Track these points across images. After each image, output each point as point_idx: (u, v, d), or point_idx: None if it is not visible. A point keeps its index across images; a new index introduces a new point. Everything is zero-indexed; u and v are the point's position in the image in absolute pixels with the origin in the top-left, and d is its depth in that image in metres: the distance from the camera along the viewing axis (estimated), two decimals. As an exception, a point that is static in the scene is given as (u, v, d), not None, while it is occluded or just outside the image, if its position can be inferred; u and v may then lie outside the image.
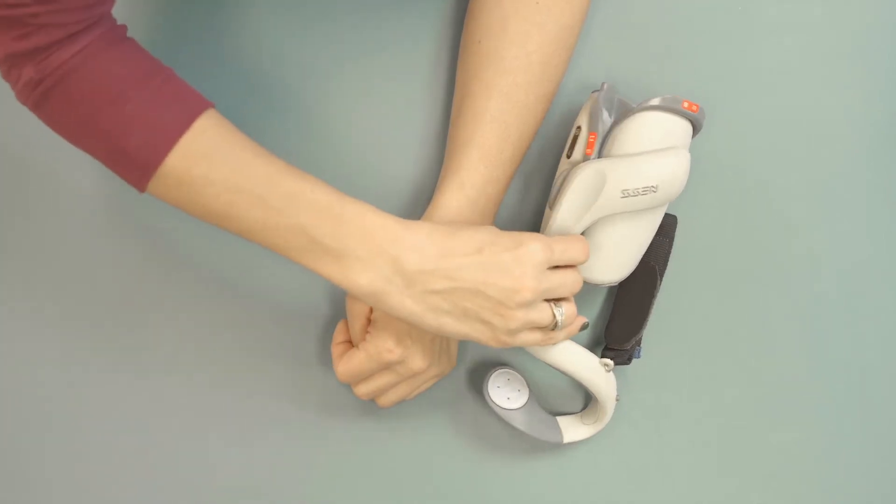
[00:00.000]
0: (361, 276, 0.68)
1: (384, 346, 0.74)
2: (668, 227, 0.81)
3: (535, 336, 0.73)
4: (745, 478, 0.84)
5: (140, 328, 0.84)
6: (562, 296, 0.73)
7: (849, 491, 0.84)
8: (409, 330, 0.75)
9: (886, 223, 0.84)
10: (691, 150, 0.76)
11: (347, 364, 0.77)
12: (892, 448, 0.84)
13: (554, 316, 0.72)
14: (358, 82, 0.84)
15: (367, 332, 0.77)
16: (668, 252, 0.81)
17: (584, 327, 0.76)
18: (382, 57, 0.84)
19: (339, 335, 0.80)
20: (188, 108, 0.69)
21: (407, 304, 0.69)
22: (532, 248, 0.70)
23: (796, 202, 0.84)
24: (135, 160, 0.68)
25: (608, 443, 0.84)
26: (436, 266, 0.68)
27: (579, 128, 0.76)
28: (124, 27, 0.71)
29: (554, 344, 0.75)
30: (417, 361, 0.75)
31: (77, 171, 0.84)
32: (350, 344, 0.79)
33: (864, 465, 0.84)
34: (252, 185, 0.68)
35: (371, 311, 0.77)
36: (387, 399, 0.79)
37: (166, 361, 0.84)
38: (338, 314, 0.84)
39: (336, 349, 0.79)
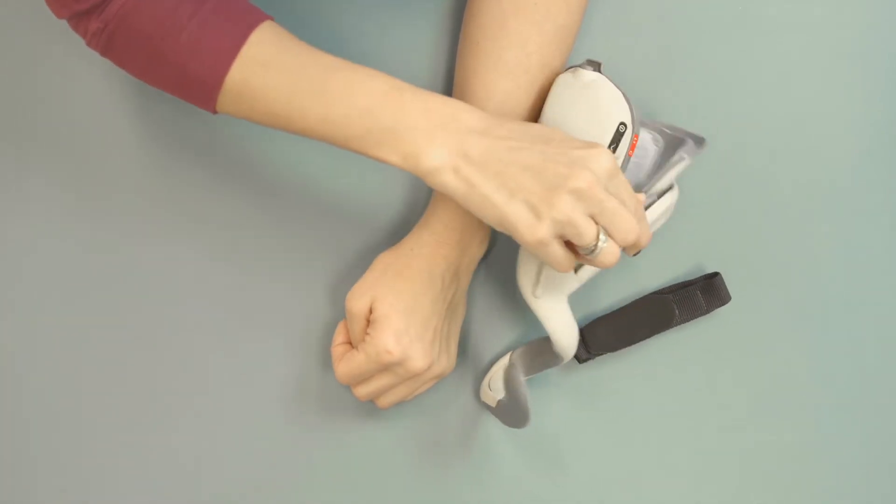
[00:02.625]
0: (423, 151, 0.68)
1: (383, 348, 0.75)
2: (714, 299, 0.82)
3: (564, 255, 0.68)
4: (745, 478, 0.84)
5: (139, 327, 0.84)
6: (609, 226, 0.68)
7: (849, 491, 0.84)
8: (409, 330, 0.75)
9: (887, 223, 0.84)
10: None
11: (347, 365, 0.77)
12: (892, 448, 0.84)
13: (597, 237, 0.67)
14: (357, 83, 0.84)
15: (367, 333, 0.77)
16: (696, 316, 0.82)
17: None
18: (381, 58, 0.84)
19: (338, 336, 0.80)
20: (242, 25, 0.71)
21: (459, 181, 0.68)
22: (604, 156, 0.67)
23: (796, 202, 0.84)
24: (199, 85, 0.71)
25: (607, 443, 0.84)
26: (499, 143, 0.68)
27: (623, 124, 0.73)
28: None
29: (576, 276, 0.73)
30: (417, 363, 0.75)
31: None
32: (350, 345, 0.80)
33: (864, 466, 0.84)
34: (309, 83, 0.70)
35: (371, 312, 0.77)
36: (386, 400, 0.79)
37: (166, 361, 0.84)
38: (338, 315, 0.84)
39: (336, 350, 0.79)
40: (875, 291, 0.84)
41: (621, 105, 0.74)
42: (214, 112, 0.73)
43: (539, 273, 0.75)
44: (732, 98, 0.84)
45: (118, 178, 0.85)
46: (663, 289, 0.83)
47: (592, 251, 0.67)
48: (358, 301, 0.77)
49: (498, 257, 0.83)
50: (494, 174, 0.67)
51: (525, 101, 0.78)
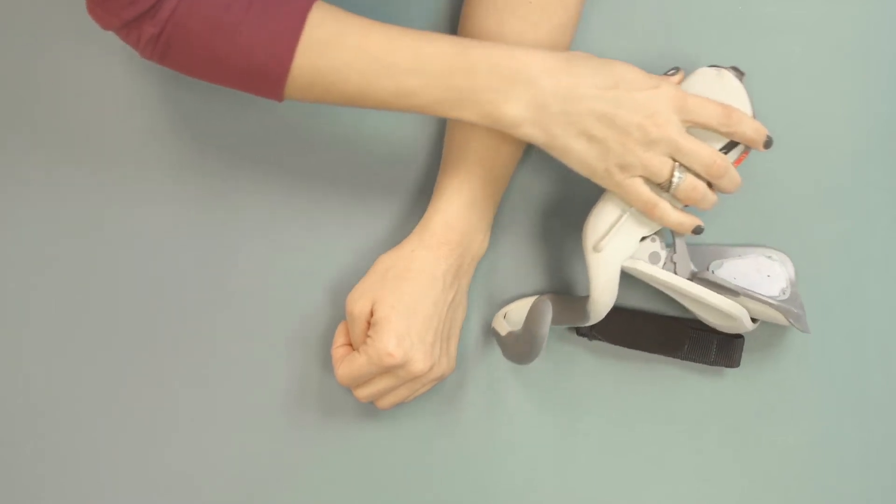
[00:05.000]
0: (500, 110, 0.70)
1: (384, 350, 0.74)
2: (724, 357, 0.82)
3: (644, 191, 0.72)
4: (746, 478, 0.84)
5: (138, 327, 0.84)
6: (691, 166, 0.72)
7: (848, 491, 0.84)
8: (410, 332, 0.75)
9: (887, 223, 0.84)
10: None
11: (348, 367, 0.77)
12: (892, 448, 0.84)
13: (672, 174, 0.72)
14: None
15: (368, 335, 0.77)
16: (700, 361, 0.82)
17: (696, 231, 0.75)
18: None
19: (339, 338, 0.80)
20: (296, 11, 0.71)
21: (539, 132, 0.71)
22: (667, 91, 0.72)
23: (796, 201, 0.84)
24: (265, 77, 0.71)
25: (609, 444, 0.84)
26: (571, 91, 0.70)
27: None
28: None
29: (658, 216, 0.73)
30: (418, 365, 0.75)
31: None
32: (351, 347, 0.79)
33: (864, 466, 0.84)
34: (375, 60, 0.71)
35: (371, 314, 0.77)
36: (386, 402, 0.79)
37: (167, 361, 0.84)
38: (339, 316, 0.84)
39: (336, 352, 0.79)
40: (875, 291, 0.84)
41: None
42: (280, 100, 0.73)
43: (609, 229, 0.75)
44: (732, 98, 0.84)
45: (116, 180, 0.84)
46: (692, 320, 0.82)
47: (669, 187, 0.72)
48: (358, 302, 0.77)
49: (499, 257, 0.83)
50: (571, 123, 0.70)
51: None
